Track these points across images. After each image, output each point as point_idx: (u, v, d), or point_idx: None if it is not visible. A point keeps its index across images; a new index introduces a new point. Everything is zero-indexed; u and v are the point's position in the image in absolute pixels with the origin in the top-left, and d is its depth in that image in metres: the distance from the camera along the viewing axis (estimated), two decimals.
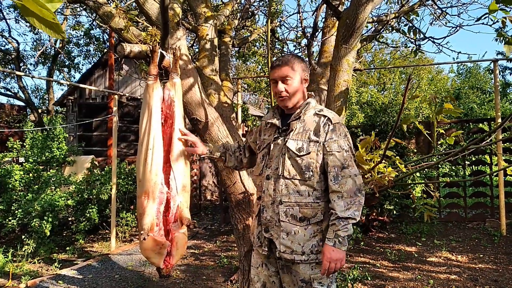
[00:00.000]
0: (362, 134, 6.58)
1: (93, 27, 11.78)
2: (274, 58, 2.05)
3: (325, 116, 1.83)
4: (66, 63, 16.15)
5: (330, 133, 1.79)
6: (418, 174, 5.94)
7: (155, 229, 1.98)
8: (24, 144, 6.32)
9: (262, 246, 1.89)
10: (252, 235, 2.00)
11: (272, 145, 1.90)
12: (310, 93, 2.00)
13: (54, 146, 6.28)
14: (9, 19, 15.10)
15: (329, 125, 1.81)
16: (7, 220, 5.01)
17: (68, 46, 15.17)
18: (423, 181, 5.67)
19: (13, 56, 13.46)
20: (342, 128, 1.83)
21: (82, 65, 16.63)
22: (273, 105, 2.73)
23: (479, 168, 9.08)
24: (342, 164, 1.75)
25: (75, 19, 13.49)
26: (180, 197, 2.11)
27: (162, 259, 2.02)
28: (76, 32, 14.61)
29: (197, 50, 5.47)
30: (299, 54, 7.91)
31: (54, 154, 6.27)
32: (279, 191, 1.81)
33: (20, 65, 13.98)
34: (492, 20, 4.05)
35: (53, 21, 0.89)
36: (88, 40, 14.37)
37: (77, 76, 16.08)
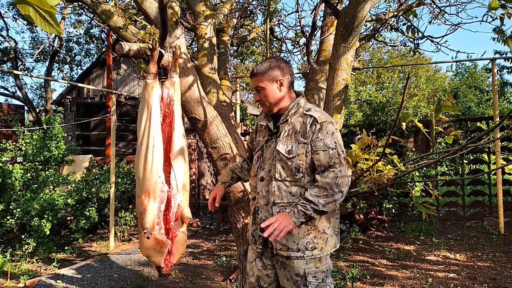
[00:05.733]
0: (361, 132, 6.59)
1: (92, 26, 11.72)
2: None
3: (311, 116, 1.85)
4: (68, 60, 16.06)
5: (316, 133, 1.82)
6: (417, 173, 5.95)
7: (156, 228, 1.98)
8: (18, 145, 6.29)
9: (256, 243, 1.96)
10: (247, 232, 2.04)
11: (264, 147, 1.96)
12: (299, 91, 2.03)
13: (53, 145, 6.26)
14: (7, 17, 15.03)
15: (315, 125, 1.83)
16: (5, 219, 5.00)
17: (68, 44, 15.09)
18: (422, 180, 5.69)
19: (11, 55, 13.41)
20: (330, 126, 1.84)
21: (84, 63, 16.41)
22: None
23: (477, 167, 9.10)
24: (328, 163, 1.80)
25: (76, 18, 13.43)
26: (181, 196, 2.11)
27: (163, 258, 2.02)
28: (76, 31, 14.56)
29: (195, 49, 5.46)
30: (297, 53, 7.91)
31: (53, 153, 6.25)
32: (272, 193, 1.86)
33: (18, 64, 13.92)
34: (491, 17, 4.06)
35: (52, 11, 0.87)
36: (88, 38, 14.30)
37: (79, 72, 15.96)
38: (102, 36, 12.24)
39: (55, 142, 6.34)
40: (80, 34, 14.62)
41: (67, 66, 16.64)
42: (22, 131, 6.64)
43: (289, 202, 1.84)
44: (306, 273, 1.83)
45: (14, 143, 6.43)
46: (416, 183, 5.53)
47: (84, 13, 10.53)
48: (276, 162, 1.86)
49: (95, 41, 14.38)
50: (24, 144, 6.23)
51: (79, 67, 16.61)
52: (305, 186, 1.84)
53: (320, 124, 1.83)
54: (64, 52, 14.76)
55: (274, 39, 6.74)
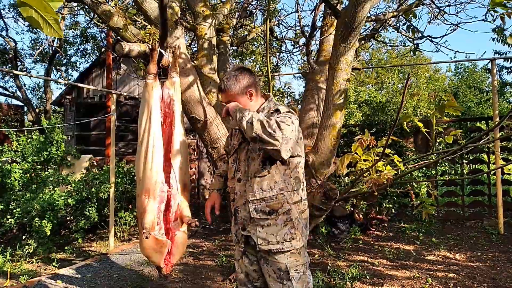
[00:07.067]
0: (361, 133, 6.59)
1: (91, 26, 11.74)
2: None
3: (277, 110, 1.98)
4: (64, 62, 16.07)
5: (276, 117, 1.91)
6: (419, 173, 5.96)
7: (156, 228, 1.98)
8: (14, 147, 6.30)
9: (239, 243, 2.06)
10: (231, 233, 2.10)
11: (239, 150, 2.05)
12: (267, 94, 2.13)
13: (53, 150, 6.29)
14: (7, 18, 15.03)
15: (278, 114, 1.95)
16: (5, 219, 4.99)
17: (65, 45, 15.08)
18: (422, 180, 5.69)
19: (10, 55, 13.40)
20: (289, 114, 1.93)
21: (80, 63, 16.46)
22: None
23: (477, 167, 9.11)
24: (277, 122, 1.82)
25: (73, 19, 13.44)
26: (181, 196, 2.11)
27: (162, 258, 2.02)
28: (73, 31, 14.55)
29: (195, 49, 5.47)
30: (297, 53, 7.91)
31: (52, 154, 6.27)
32: (247, 191, 1.96)
33: (18, 64, 13.91)
34: (492, 16, 4.09)
35: (54, 16, 0.88)
36: (84, 39, 14.31)
37: (75, 75, 15.95)
38: (101, 36, 12.24)
39: (56, 147, 6.36)
40: (77, 35, 14.62)
41: (63, 68, 16.65)
42: (16, 133, 6.65)
43: (262, 198, 1.92)
44: (288, 267, 1.92)
45: (10, 145, 6.44)
46: (421, 183, 5.52)
47: (83, 14, 10.53)
48: (250, 162, 1.96)
49: (91, 41, 14.39)
50: (19, 147, 6.23)
51: (75, 69, 16.61)
52: (274, 177, 1.91)
53: (282, 113, 1.94)
54: (61, 54, 14.76)
55: (274, 39, 6.75)
